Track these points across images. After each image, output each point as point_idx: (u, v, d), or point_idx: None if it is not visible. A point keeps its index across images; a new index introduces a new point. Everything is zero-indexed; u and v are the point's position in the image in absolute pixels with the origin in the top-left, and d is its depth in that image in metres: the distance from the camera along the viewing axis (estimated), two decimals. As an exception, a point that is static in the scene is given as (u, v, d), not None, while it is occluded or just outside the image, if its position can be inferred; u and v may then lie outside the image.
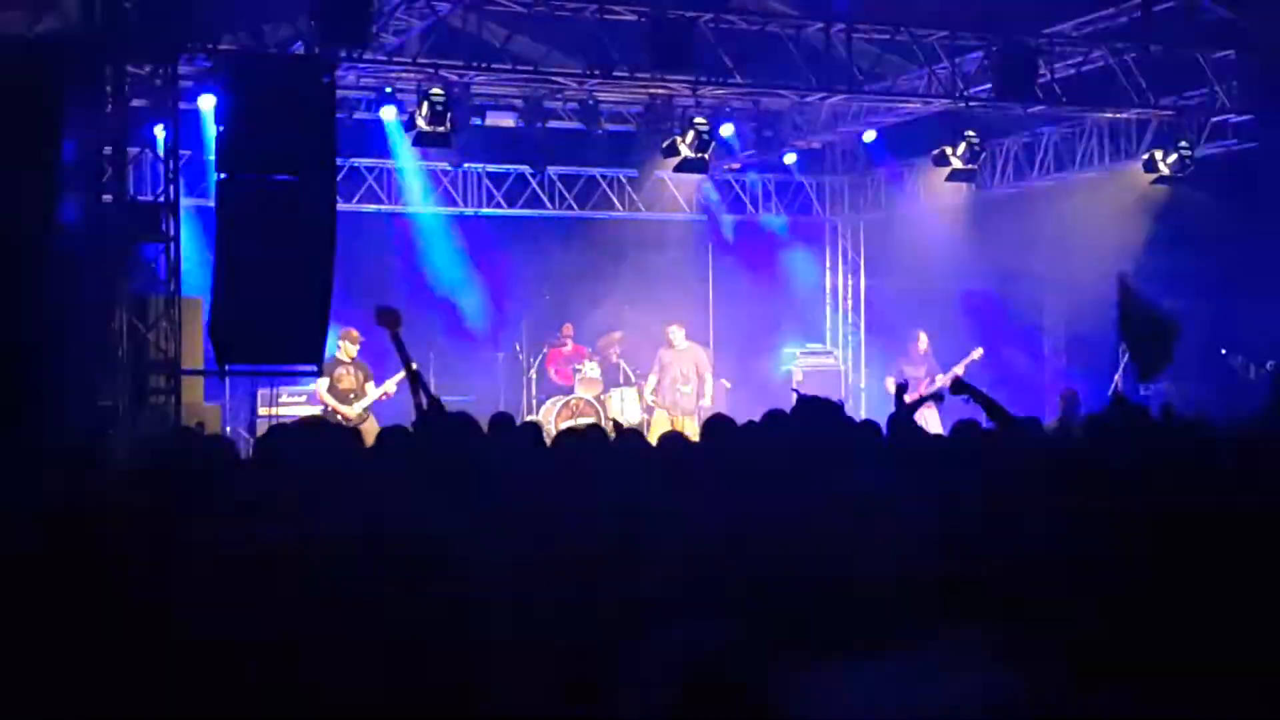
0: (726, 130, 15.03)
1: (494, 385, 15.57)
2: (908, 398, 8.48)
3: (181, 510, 4.22)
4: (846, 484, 3.67)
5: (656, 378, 15.34)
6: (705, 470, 5.73)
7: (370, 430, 11.70)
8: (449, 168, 16.14)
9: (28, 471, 5.25)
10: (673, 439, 6.69)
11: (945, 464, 5.85)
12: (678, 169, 14.65)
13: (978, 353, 14.83)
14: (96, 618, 3.07)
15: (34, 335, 9.84)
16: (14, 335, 9.27)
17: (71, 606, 3.12)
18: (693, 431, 12.70)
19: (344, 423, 12.33)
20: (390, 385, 13.11)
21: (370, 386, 13.24)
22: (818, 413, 6.25)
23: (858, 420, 7.17)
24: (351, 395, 13.18)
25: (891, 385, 12.25)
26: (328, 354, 12.38)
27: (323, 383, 13.04)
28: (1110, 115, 14.57)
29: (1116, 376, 15.57)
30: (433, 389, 7.16)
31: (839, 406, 6.52)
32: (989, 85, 13.46)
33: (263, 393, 13.28)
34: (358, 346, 13.23)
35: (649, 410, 15.37)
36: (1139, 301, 7.75)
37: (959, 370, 14.55)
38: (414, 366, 6.06)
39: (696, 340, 16.39)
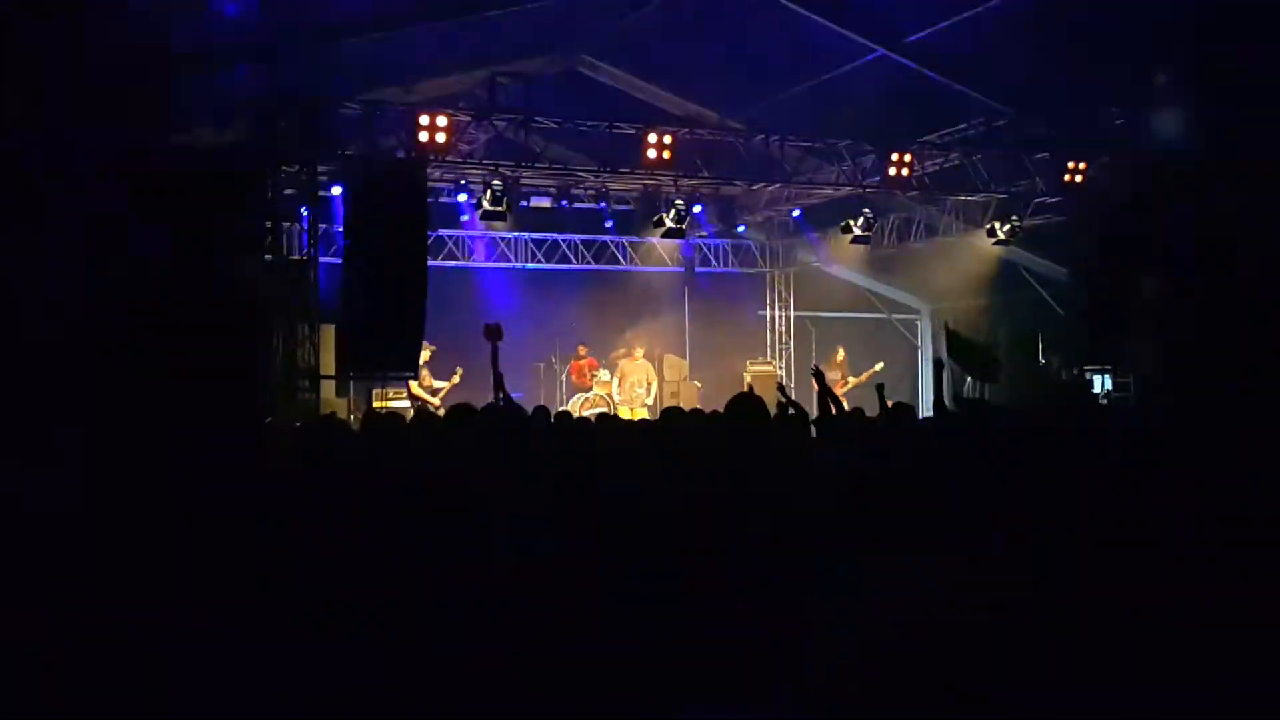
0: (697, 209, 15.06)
1: (536, 386, 15.63)
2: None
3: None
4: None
5: (617, 381, 15.22)
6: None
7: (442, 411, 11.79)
8: (506, 235, 16.22)
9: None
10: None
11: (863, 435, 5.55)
12: (664, 236, 14.71)
13: (879, 366, 14.91)
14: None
15: (231, 353, 9.65)
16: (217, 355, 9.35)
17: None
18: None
19: (428, 408, 12.33)
20: (455, 379, 13.10)
21: (436, 380, 13.31)
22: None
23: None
24: (431, 390, 13.29)
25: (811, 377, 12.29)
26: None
27: (414, 383, 13.09)
28: (963, 198, 14.58)
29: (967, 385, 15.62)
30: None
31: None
32: (879, 177, 13.45)
33: (376, 391, 13.32)
34: (431, 353, 13.15)
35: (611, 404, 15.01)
36: (961, 340, 7.28)
37: (863, 378, 14.67)
38: (500, 372, 6.13)
39: (674, 353, 16.52)
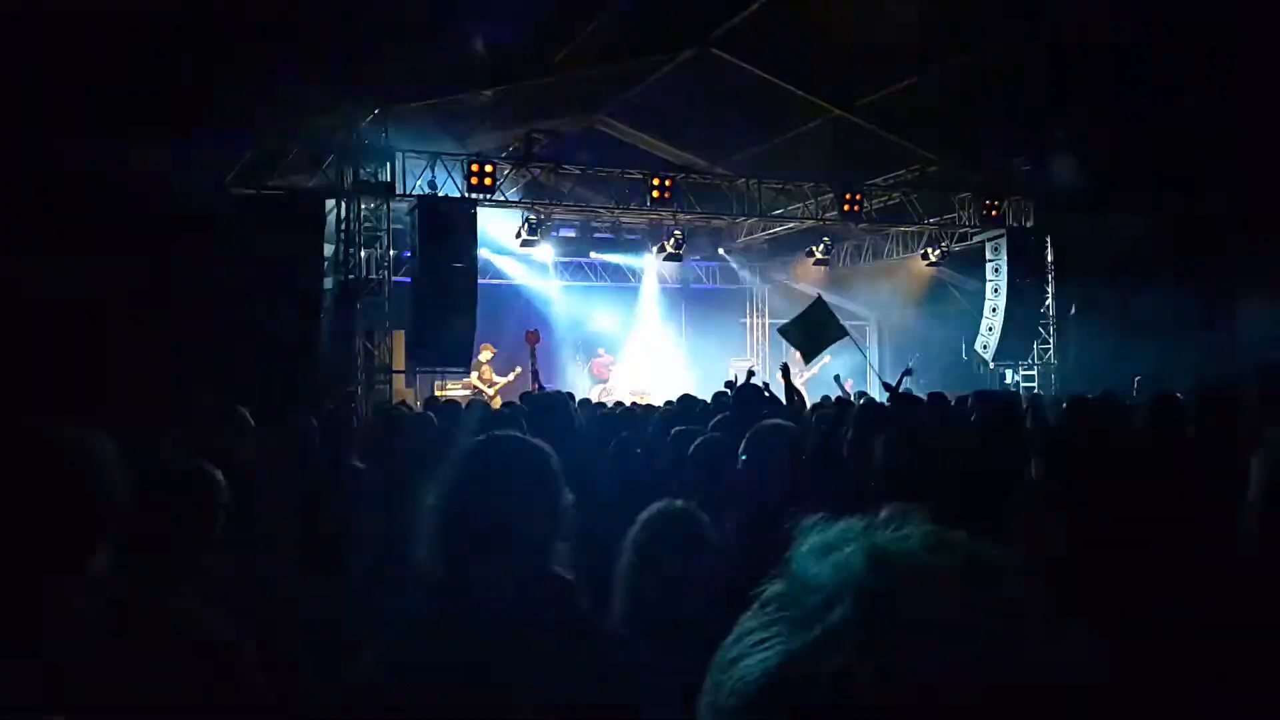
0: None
1: (564, 378, 15.75)
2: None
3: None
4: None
5: (631, 375, 15.48)
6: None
7: (497, 401, 12.00)
8: (541, 259, 16.00)
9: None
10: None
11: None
12: (666, 259, 14.70)
13: (827, 359, 14.90)
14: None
15: (315, 355, 10.07)
16: (302, 356, 9.69)
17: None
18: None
19: (484, 397, 12.64)
20: (512, 376, 13.32)
21: (496, 376, 13.64)
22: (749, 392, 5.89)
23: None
24: (489, 383, 13.53)
25: (779, 370, 12.29)
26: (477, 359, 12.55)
27: (474, 375, 13.31)
28: (902, 229, 14.81)
29: (903, 378, 15.56)
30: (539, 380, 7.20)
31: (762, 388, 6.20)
32: (836, 212, 13.56)
33: (437, 383, 13.49)
34: (492, 354, 13.56)
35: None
36: (825, 313, 6.75)
37: (815, 370, 14.73)
38: (536, 367, 6.24)
39: (673, 353, 16.60)
